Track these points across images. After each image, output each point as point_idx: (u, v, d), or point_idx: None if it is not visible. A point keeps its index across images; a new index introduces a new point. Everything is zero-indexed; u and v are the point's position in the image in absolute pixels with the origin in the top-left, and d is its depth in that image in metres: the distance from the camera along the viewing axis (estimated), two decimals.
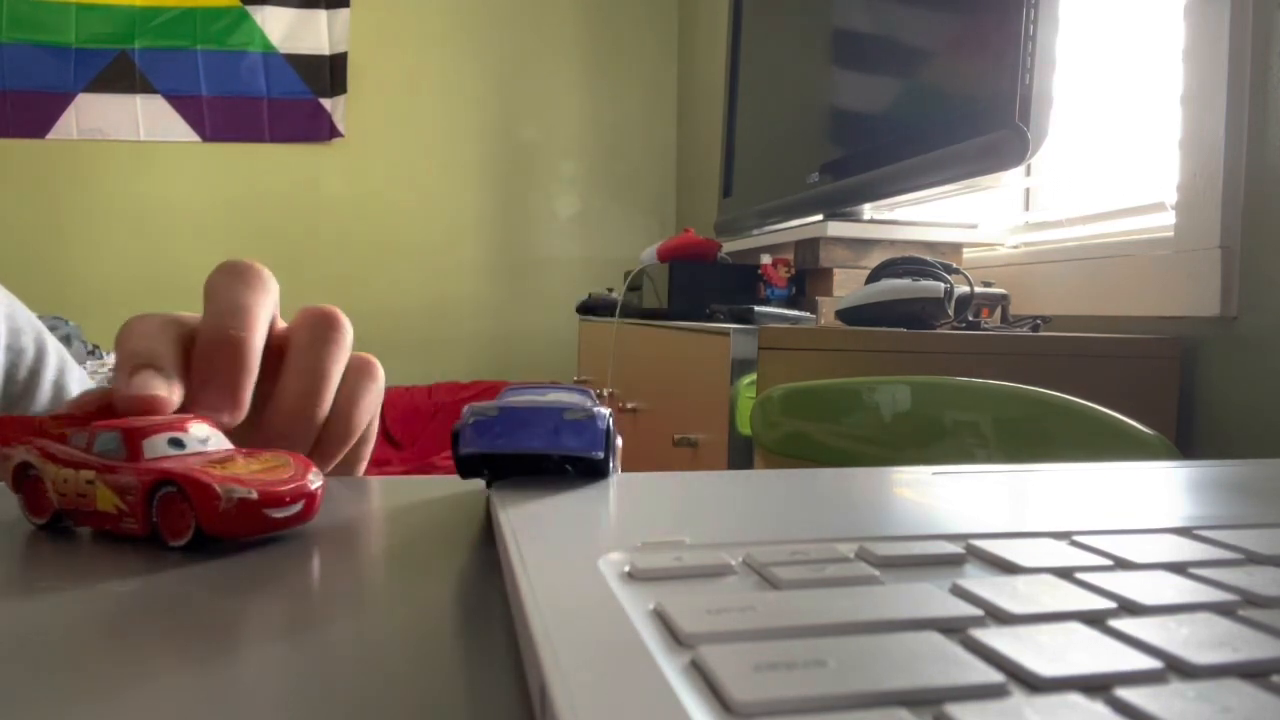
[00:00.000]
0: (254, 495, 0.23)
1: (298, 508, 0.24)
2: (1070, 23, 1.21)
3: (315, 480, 0.25)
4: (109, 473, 0.24)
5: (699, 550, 0.18)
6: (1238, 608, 0.14)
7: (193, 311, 0.35)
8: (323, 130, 2.74)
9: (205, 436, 0.26)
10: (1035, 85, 0.93)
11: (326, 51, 2.72)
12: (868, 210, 1.40)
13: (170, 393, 0.28)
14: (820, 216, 1.37)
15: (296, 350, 0.34)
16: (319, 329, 0.35)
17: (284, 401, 0.32)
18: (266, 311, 0.34)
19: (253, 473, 0.24)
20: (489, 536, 0.25)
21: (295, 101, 2.72)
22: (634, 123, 2.92)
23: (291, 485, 0.24)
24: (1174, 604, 0.15)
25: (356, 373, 0.35)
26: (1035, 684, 0.11)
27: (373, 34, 2.75)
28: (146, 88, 2.65)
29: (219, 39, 2.67)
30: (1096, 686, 0.11)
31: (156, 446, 0.25)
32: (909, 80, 1.24)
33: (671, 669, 0.12)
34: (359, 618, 0.18)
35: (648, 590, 0.15)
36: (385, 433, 2.53)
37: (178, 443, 0.25)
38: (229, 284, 0.34)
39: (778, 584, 0.16)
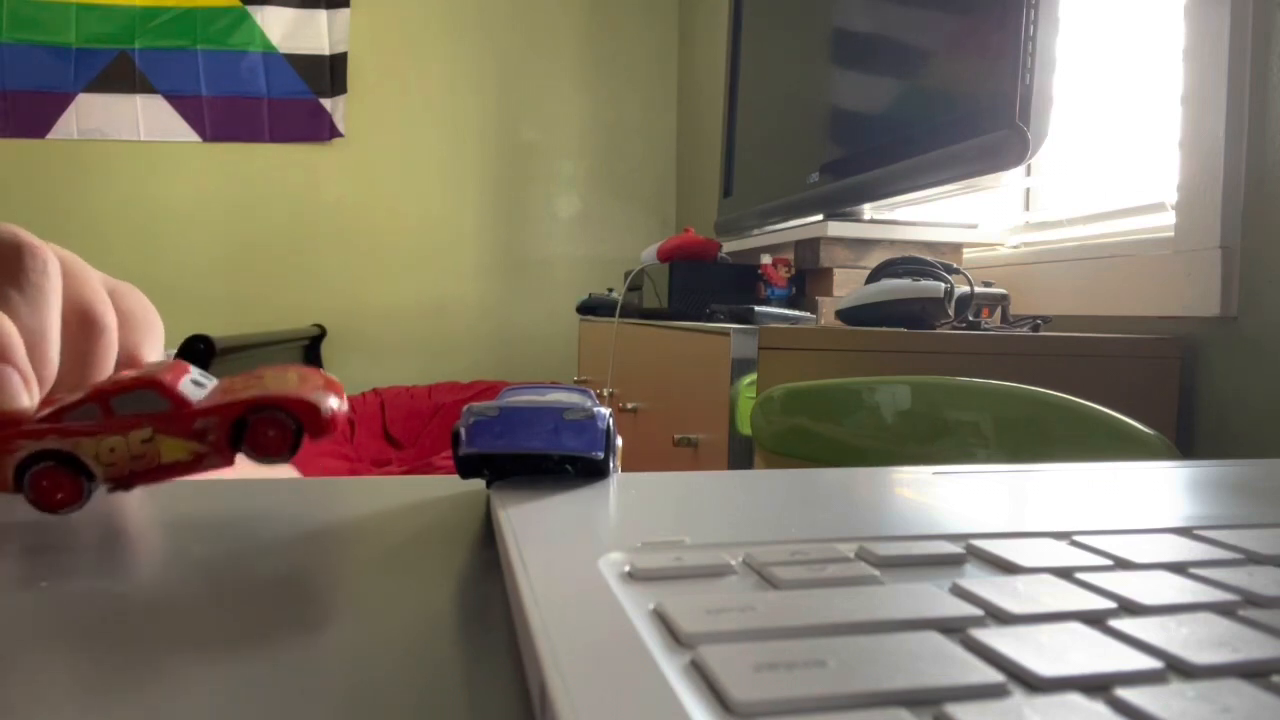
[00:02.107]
0: (336, 402, 0.26)
1: (344, 403, 0.26)
2: (1070, 23, 1.21)
3: (334, 378, 0.27)
4: (171, 423, 0.25)
5: (699, 550, 0.18)
6: (1238, 608, 0.14)
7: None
8: (323, 130, 2.74)
9: (199, 379, 0.27)
10: (1035, 85, 0.93)
11: (326, 51, 2.72)
12: (868, 210, 1.40)
13: (31, 392, 0.26)
14: (820, 216, 1.37)
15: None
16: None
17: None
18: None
19: (297, 386, 0.26)
20: (489, 536, 0.25)
21: (295, 101, 2.72)
22: (634, 123, 2.93)
23: (334, 387, 0.27)
24: (1174, 604, 0.15)
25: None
26: (1035, 684, 0.11)
27: (373, 34, 2.75)
28: (146, 88, 2.65)
29: (219, 39, 2.68)
30: (1096, 686, 0.11)
31: (190, 390, 0.26)
32: (909, 80, 1.24)
33: (671, 669, 0.12)
34: (359, 618, 0.18)
35: (648, 590, 0.15)
36: (385, 433, 2.53)
37: (198, 384, 0.27)
38: None
39: (778, 584, 0.16)
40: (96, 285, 0.31)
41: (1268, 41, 0.90)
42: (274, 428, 0.25)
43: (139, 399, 0.25)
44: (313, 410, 0.25)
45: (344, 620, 0.18)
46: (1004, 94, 0.95)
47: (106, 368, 0.30)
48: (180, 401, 0.25)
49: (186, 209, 2.70)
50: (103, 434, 0.25)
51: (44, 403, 0.26)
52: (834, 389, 0.81)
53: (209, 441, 0.25)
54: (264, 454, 0.25)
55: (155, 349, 0.32)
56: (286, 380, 0.27)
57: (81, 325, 0.30)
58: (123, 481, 0.25)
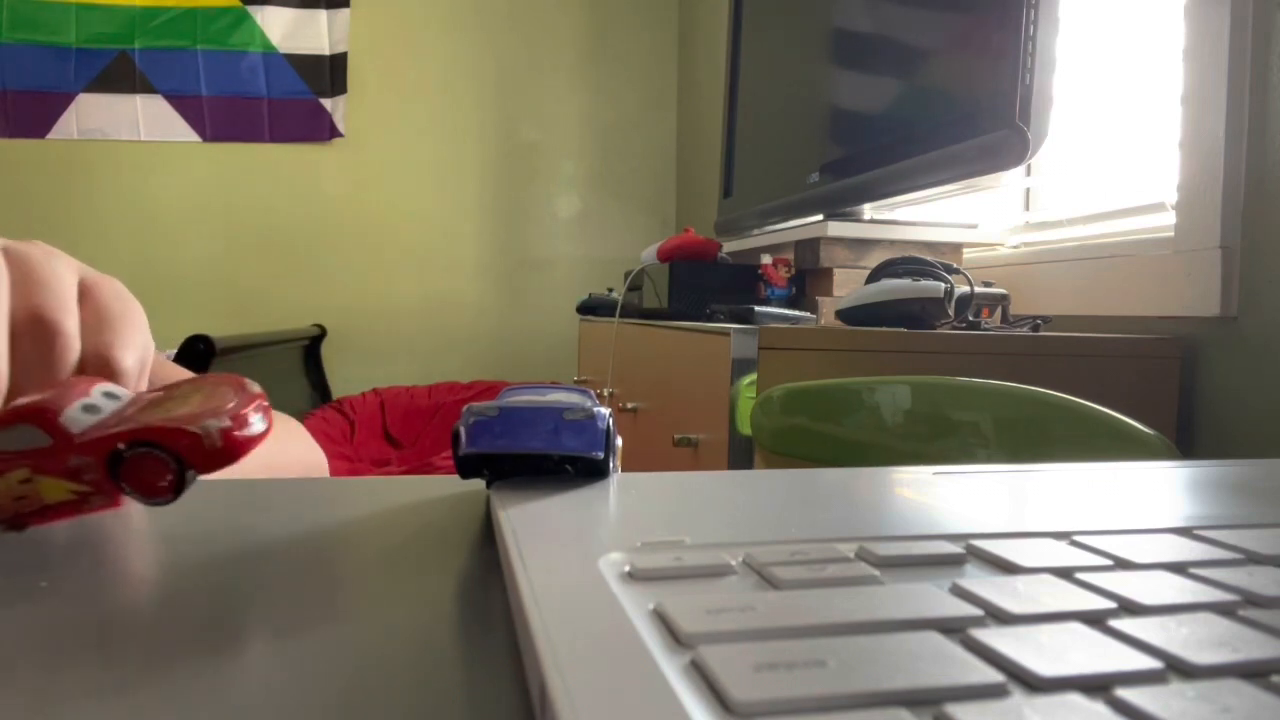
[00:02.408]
0: (228, 422, 0.22)
1: (263, 420, 0.23)
2: (1070, 23, 1.21)
3: (255, 387, 0.24)
4: (46, 462, 0.22)
5: (699, 550, 0.18)
6: (1238, 608, 0.14)
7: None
8: (323, 130, 2.74)
9: (110, 392, 0.25)
10: (1035, 85, 0.93)
11: (326, 51, 2.73)
12: (868, 210, 1.40)
13: None
14: (820, 216, 1.37)
15: None
16: None
17: None
18: None
19: (197, 406, 0.23)
20: (489, 536, 0.25)
21: (295, 101, 2.72)
22: (634, 123, 2.93)
23: (246, 400, 0.23)
24: (1174, 604, 0.15)
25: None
26: (1035, 684, 0.11)
27: (373, 34, 2.75)
28: (147, 88, 2.65)
29: (219, 39, 2.68)
30: (1096, 686, 0.11)
31: (76, 419, 0.23)
32: (909, 80, 1.24)
33: (671, 669, 0.12)
34: (359, 618, 0.18)
35: (648, 590, 0.15)
36: (385, 433, 2.53)
37: (91, 409, 0.24)
38: None
39: (778, 584, 0.16)
40: (56, 287, 0.29)
41: (1268, 41, 0.90)
42: (153, 465, 0.22)
43: (20, 434, 0.23)
44: (193, 442, 0.22)
45: (344, 620, 0.18)
46: (1004, 94, 0.95)
47: (63, 371, 0.29)
48: (61, 436, 0.23)
49: (186, 209, 2.70)
50: None
51: None
52: (834, 389, 0.81)
53: (88, 480, 0.22)
54: (146, 495, 0.22)
55: (131, 347, 0.30)
56: (188, 400, 0.24)
57: (35, 330, 0.28)
58: (12, 523, 0.23)
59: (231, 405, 0.23)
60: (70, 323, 0.29)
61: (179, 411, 0.23)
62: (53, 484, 0.22)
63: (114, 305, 0.31)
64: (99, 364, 0.29)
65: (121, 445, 0.22)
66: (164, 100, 2.66)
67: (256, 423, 0.23)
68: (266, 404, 0.24)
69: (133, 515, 0.27)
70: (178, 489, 0.22)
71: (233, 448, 0.22)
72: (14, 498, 0.23)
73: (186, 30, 2.66)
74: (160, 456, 0.22)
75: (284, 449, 0.46)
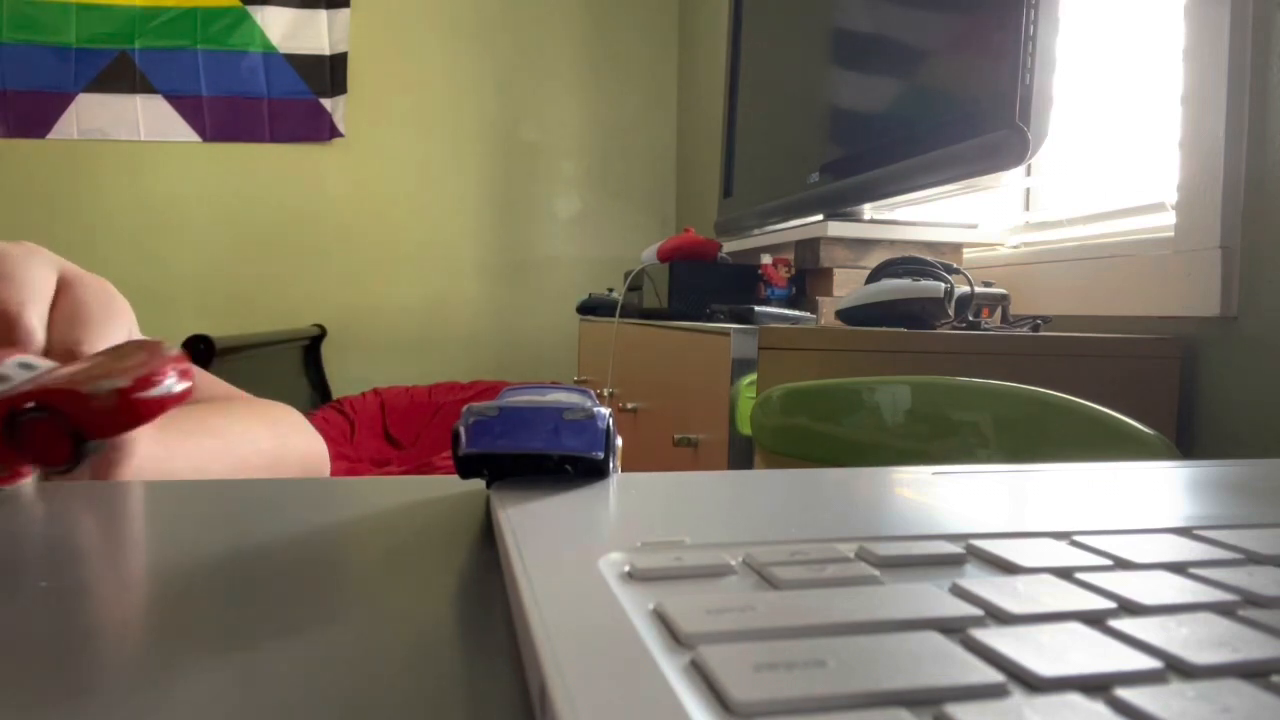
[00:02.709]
0: (126, 382, 0.21)
1: (176, 383, 0.22)
2: (1070, 23, 1.21)
3: (173, 350, 0.23)
4: None
5: (699, 550, 0.18)
6: (1238, 608, 0.14)
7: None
8: (323, 130, 2.74)
9: (27, 363, 0.23)
10: (1035, 85, 0.93)
11: (326, 51, 2.73)
12: (868, 210, 1.40)
13: None
14: (820, 216, 1.37)
15: None
16: None
17: None
18: None
19: (99, 370, 0.22)
20: (489, 536, 0.25)
21: (295, 101, 2.72)
22: (634, 123, 2.93)
23: (158, 364, 0.22)
24: (1174, 604, 0.15)
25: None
26: (1035, 684, 0.11)
27: (373, 34, 2.75)
28: (147, 88, 2.65)
29: (219, 39, 2.68)
30: (1096, 686, 0.11)
31: None
32: (909, 80, 1.24)
33: (671, 669, 0.12)
34: (359, 618, 0.18)
35: (648, 590, 0.15)
36: (385, 433, 2.53)
37: (3, 377, 0.22)
38: None
39: (778, 584, 0.16)
40: (23, 280, 0.29)
41: (1268, 41, 0.90)
42: (47, 429, 0.21)
43: None
44: (83, 404, 0.20)
45: (344, 620, 0.18)
46: (1004, 94, 0.95)
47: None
48: None
49: (186, 209, 2.70)
50: None
51: None
52: (834, 389, 0.81)
53: None
54: (41, 462, 0.21)
55: (104, 341, 0.30)
56: (98, 365, 0.22)
57: None
58: None
59: (134, 365, 0.22)
60: (30, 316, 0.29)
61: (79, 375, 0.21)
62: None
63: (91, 302, 0.31)
64: (68, 359, 0.29)
65: (14, 409, 0.20)
66: (164, 100, 2.66)
67: (168, 384, 0.22)
68: (186, 367, 0.22)
69: (132, 516, 0.27)
70: (76, 457, 0.21)
71: (132, 409, 0.21)
72: None
73: (186, 30, 2.66)
74: (53, 420, 0.21)
75: (284, 441, 0.46)
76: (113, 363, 0.22)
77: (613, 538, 0.19)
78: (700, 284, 1.47)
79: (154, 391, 0.21)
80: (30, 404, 0.20)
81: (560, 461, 0.26)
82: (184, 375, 0.22)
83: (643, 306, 1.63)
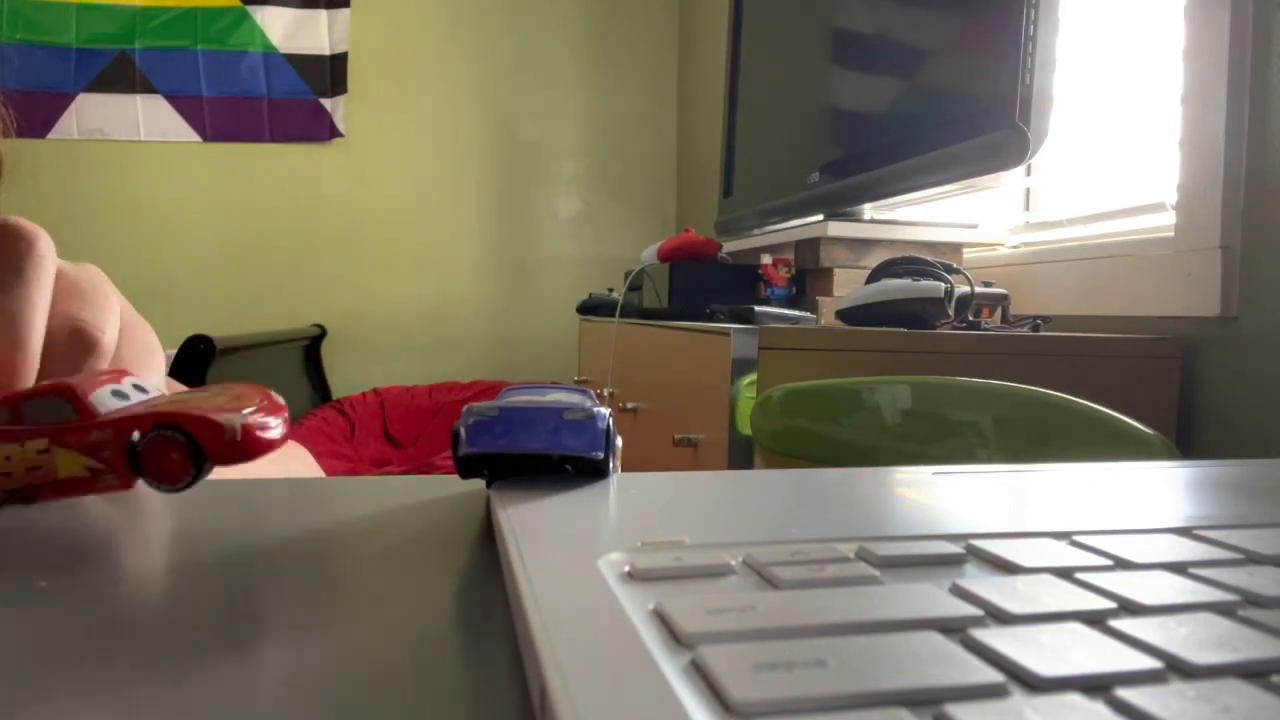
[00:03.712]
0: (252, 420, 0.23)
1: (282, 427, 0.24)
2: (1070, 23, 1.21)
3: (279, 399, 0.25)
4: (67, 435, 0.23)
5: (699, 550, 0.18)
6: (1238, 608, 0.14)
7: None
8: (323, 130, 2.74)
9: (140, 385, 0.25)
10: (1035, 85, 0.93)
11: (326, 51, 2.73)
12: (868, 210, 1.40)
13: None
14: (820, 216, 1.37)
15: None
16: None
17: None
18: None
19: (222, 404, 0.24)
20: (489, 536, 0.25)
21: (295, 101, 2.72)
22: (634, 123, 2.93)
23: (268, 407, 0.24)
24: (1174, 604, 0.15)
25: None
26: (1035, 684, 0.11)
27: (373, 34, 2.75)
28: (147, 88, 2.65)
29: (219, 39, 2.68)
30: (1096, 686, 0.11)
31: (104, 400, 0.24)
32: (909, 80, 1.24)
33: (671, 669, 0.12)
34: (359, 618, 0.18)
35: (648, 590, 0.15)
36: (385, 433, 2.53)
37: (120, 394, 0.24)
38: None
39: (778, 584, 0.16)
40: (102, 306, 0.30)
41: (1268, 41, 0.90)
42: (173, 450, 0.23)
43: (49, 405, 0.23)
44: (214, 431, 0.23)
45: (344, 620, 0.18)
46: (1004, 94, 0.95)
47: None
48: (86, 413, 0.23)
49: (186, 209, 2.70)
50: (2, 441, 0.23)
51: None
52: (834, 389, 0.81)
53: (103, 458, 0.23)
54: (161, 479, 0.23)
55: (103, 322, 0.30)
56: (215, 399, 0.25)
57: (72, 339, 0.29)
58: (19, 494, 0.24)
59: (254, 407, 0.24)
60: (107, 342, 0.30)
61: (206, 405, 0.24)
62: (69, 457, 0.23)
63: (141, 343, 0.32)
64: (65, 332, 0.29)
65: (144, 428, 0.23)
66: (164, 100, 2.66)
67: (276, 427, 0.24)
68: (287, 415, 0.25)
69: (132, 515, 0.27)
70: (192, 478, 0.23)
71: (251, 445, 0.23)
72: (27, 467, 0.23)
73: (186, 30, 2.66)
74: (180, 441, 0.23)
75: (285, 469, 0.46)
76: (230, 399, 0.25)
77: (613, 538, 0.19)
78: (700, 284, 1.47)
79: (269, 434, 0.24)
80: (165, 424, 0.23)
81: (560, 461, 0.26)
82: (286, 424, 0.25)
83: (643, 306, 1.63)
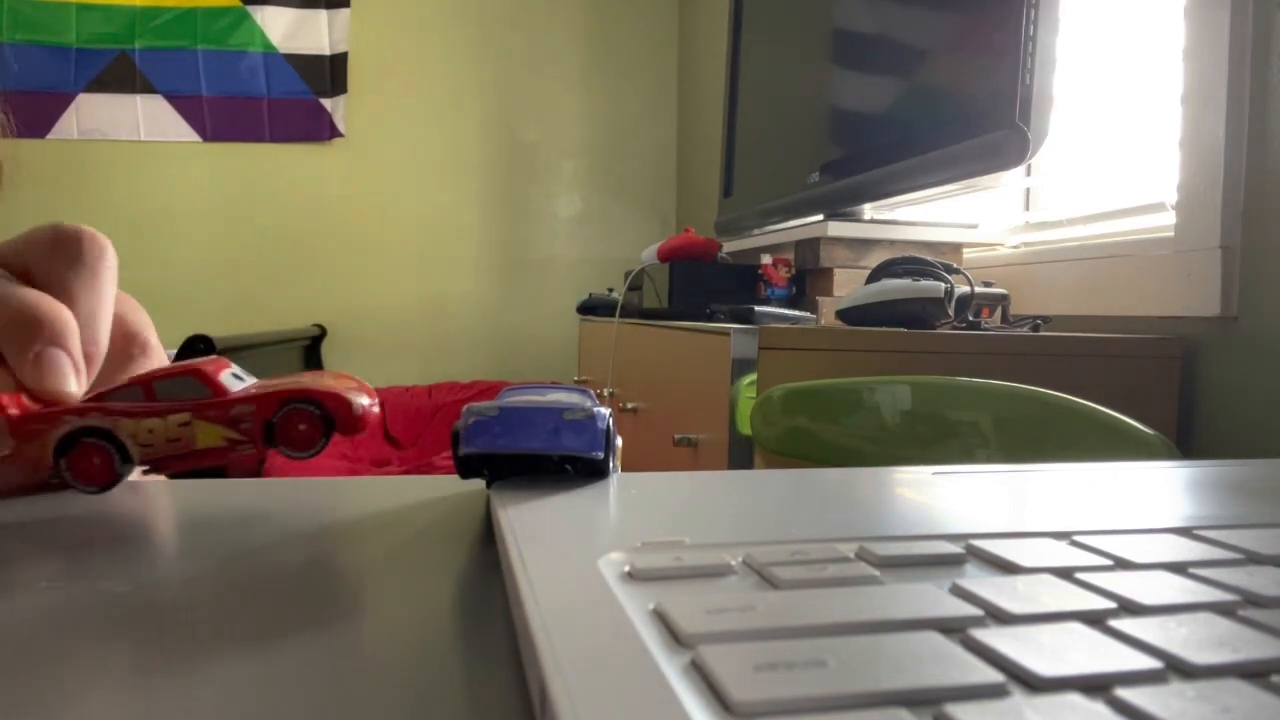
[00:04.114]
0: (367, 400, 0.27)
1: (376, 406, 0.28)
2: (1070, 23, 1.21)
3: (365, 382, 0.29)
4: (209, 410, 0.26)
5: (699, 550, 0.18)
6: (1238, 608, 0.14)
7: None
8: (323, 130, 2.74)
9: (239, 374, 0.29)
10: (1035, 85, 0.93)
11: (326, 51, 2.73)
12: (868, 210, 1.40)
13: (79, 380, 0.27)
14: (820, 216, 1.37)
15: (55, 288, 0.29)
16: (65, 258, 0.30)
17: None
18: None
19: (335, 385, 0.27)
20: (489, 536, 0.25)
21: (295, 101, 2.72)
22: (634, 123, 2.93)
23: (365, 389, 0.28)
24: (1174, 604, 0.15)
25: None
26: (1035, 684, 0.11)
27: (373, 34, 2.75)
28: (147, 88, 2.65)
29: (219, 39, 2.68)
30: (1096, 686, 0.11)
31: (230, 382, 0.27)
32: (909, 80, 1.24)
33: (671, 669, 0.12)
34: (359, 617, 0.18)
35: (648, 590, 0.15)
36: (385, 433, 2.53)
37: (237, 376, 0.28)
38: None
39: (778, 584, 0.16)
40: (144, 312, 0.33)
41: (1268, 41, 0.90)
42: (305, 421, 0.26)
43: (181, 385, 0.26)
44: (345, 405, 0.26)
45: (344, 620, 0.18)
46: (1004, 94, 0.95)
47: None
48: (220, 390, 0.26)
49: (186, 209, 2.70)
50: (143, 416, 0.26)
51: (89, 392, 0.27)
52: (834, 389, 0.81)
53: (243, 430, 0.26)
54: (295, 447, 0.26)
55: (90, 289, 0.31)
56: (322, 380, 0.28)
57: (127, 340, 0.32)
58: (157, 464, 0.26)
59: (360, 388, 0.28)
60: (156, 341, 0.33)
61: (327, 385, 0.27)
62: (210, 429, 0.26)
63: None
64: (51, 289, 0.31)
65: (282, 401, 0.26)
66: (164, 100, 2.66)
67: (375, 405, 0.28)
68: (375, 395, 0.29)
69: (133, 514, 0.27)
70: (320, 446, 0.26)
71: (366, 420, 0.27)
72: (169, 439, 0.26)
73: (186, 30, 2.66)
74: (314, 415, 0.26)
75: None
76: (336, 381, 0.28)
77: (613, 538, 0.19)
78: (700, 284, 1.47)
79: (375, 410, 0.27)
80: (301, 399, 0.26)
81: (560, 461, 0.26)
82: (377, 403, 0.28)
83: (643, 306, 1.63)
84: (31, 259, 0.29)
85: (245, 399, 0.26)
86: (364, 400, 0.27)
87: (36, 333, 0.26)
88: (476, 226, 2.86)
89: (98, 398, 0.26)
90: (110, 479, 0.26)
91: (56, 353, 0.26)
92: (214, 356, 0.28)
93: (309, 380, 0.28)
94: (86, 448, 0.25)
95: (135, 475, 0.27)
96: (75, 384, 0.27)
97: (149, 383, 0.26)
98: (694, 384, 1.12)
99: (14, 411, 0.25)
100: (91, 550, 0.24)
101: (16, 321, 0.27)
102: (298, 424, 0.26)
